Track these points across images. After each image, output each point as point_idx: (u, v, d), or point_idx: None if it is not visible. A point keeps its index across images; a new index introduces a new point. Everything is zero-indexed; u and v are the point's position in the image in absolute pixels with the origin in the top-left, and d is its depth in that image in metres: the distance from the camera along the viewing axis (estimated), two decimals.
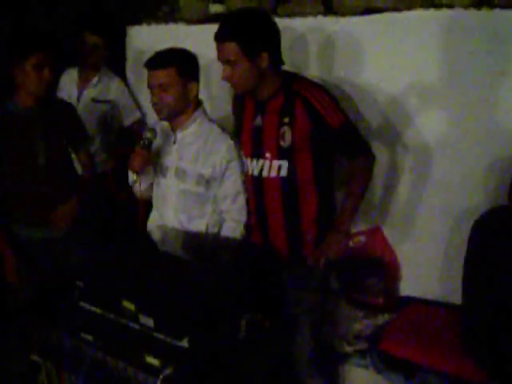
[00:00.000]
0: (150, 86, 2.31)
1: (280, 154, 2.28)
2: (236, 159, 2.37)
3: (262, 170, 2.33)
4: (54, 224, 2.66)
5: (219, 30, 2.19)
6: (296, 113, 2.22)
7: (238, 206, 2.40)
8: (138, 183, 2.44)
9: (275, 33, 2.25)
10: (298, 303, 2.35)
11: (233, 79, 2.22)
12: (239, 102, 2.48)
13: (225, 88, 3.07)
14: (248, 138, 2.38)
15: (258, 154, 2.34)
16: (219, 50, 2.20)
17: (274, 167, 2.30)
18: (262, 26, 2.21)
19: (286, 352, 2.32)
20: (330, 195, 2.41)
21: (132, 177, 2.45)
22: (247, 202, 2.41)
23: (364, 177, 2.33)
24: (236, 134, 2.45)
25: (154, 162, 2.43)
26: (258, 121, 2.34)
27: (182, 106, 2.34)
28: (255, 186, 2.38)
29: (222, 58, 2.20)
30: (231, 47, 2.15)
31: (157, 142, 2.42)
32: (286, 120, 2.24)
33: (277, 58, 2.27)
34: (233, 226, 2.41)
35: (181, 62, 2.30)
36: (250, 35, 2.17)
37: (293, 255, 2.38)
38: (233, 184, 2.38)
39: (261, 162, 2.33)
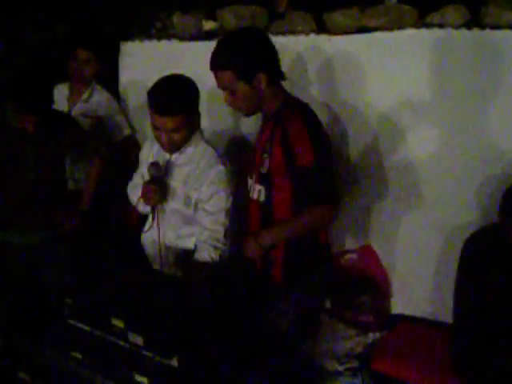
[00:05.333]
0: (156, 128, 2.26)
1: (259, 179, 2.29)
2: (224, 186, 2.33)
3: (250, 191, 2.36)
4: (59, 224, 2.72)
5: (212, 59, 2.19)
6: (274, 143, 2.20)
7: (218, 225, 2.34)
8: (155, 214, 2.41)
9: (270, 51, 2.21)
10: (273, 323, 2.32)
11: (234, 105, 2.24)
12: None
13: (217, 102, 3.10)
14: (251, 158, 2.40)
15: (250, 176, 2.37)
16: (216, 78, 2.20)
17: (256, 190, 2.31)
18: (254, 48, 2.18)
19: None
20: None
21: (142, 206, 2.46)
22: (227, 226, 2.35)
23: (311, 220, 2.23)
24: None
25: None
26: (257, 143, 2.37)
27: (188, 139, 2.34)
28: (248, 206, 2.39)
29: (220, 85, 2.21)
30: (227, 75, 2.15)
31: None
32: (267, 147, 2.24)
33: (275, 76, 2.24)
34: (210, 245, 2.33)
35: (191, 105, 2.28)
36: (244, 59, 2.14)
37: (264, 277, 2.36)
38: (217, 205, 2.33)
39: (250, 183, 2.36)
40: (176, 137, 2.27)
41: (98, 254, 2.64)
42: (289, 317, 2.33)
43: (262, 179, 2.28)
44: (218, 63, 2.17)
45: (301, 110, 2.24)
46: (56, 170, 2.80)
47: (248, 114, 2.31)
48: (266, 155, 2.24)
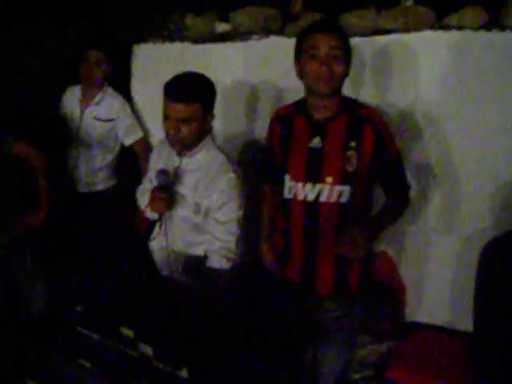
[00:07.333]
0: (168, 116, 2.21)
1: (344, 178, 2.17)
2: (235, 195, 2.27)
3: (319, 195, 2.19)
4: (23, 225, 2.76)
5: (324, 23, 2.28)
6: (364, 137, 2.13)
7: (229, 235, 2.29)
8: (163, 222, 2.37)
9: None
10: (339, 331, 2.30)
11: (335, 74, 2.11)
12: (285, 123, 2.33)
13: (231, 104, 3.07)
14: (301, 160, 2.23)
15: (314, 178, 2.20)
16: (324, 43, 2.08)
17: (335, 192, 2.17)
18: None
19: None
20: None
21: (150, 213, 2.41)
22: (240, 237, 2.30)
23: (403, 206, 2.31)
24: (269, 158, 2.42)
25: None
26: (316, 142, 2.20)
27: (198, 139, 2.28)
28: (307, 212, 2.22)
29: (330, 50, 2.08)
30: (340, 41, 2.10)
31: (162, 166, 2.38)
32: (353, 144, 2.15)
33: None
34: (221, 255, 2.29)
35: (206, 97, 2.24)
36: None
37: (340, 282, 2.27)
38: (228, 214, 2.28)
39: (318, 186, 2.19)
40: (185, 129, 2.20)
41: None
42: (359, 323, 2.37)
43: (347, 178, 2.16)
44: (334, 27, 2.17)
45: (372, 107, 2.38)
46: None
47: (330, 92, 2.14)
48: (351, 152, 2.15)
